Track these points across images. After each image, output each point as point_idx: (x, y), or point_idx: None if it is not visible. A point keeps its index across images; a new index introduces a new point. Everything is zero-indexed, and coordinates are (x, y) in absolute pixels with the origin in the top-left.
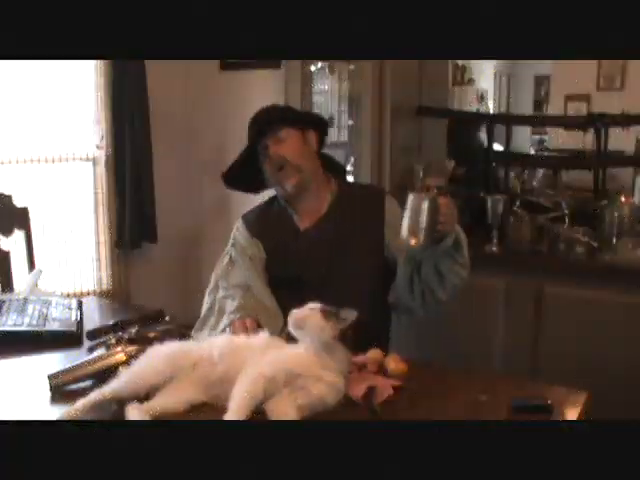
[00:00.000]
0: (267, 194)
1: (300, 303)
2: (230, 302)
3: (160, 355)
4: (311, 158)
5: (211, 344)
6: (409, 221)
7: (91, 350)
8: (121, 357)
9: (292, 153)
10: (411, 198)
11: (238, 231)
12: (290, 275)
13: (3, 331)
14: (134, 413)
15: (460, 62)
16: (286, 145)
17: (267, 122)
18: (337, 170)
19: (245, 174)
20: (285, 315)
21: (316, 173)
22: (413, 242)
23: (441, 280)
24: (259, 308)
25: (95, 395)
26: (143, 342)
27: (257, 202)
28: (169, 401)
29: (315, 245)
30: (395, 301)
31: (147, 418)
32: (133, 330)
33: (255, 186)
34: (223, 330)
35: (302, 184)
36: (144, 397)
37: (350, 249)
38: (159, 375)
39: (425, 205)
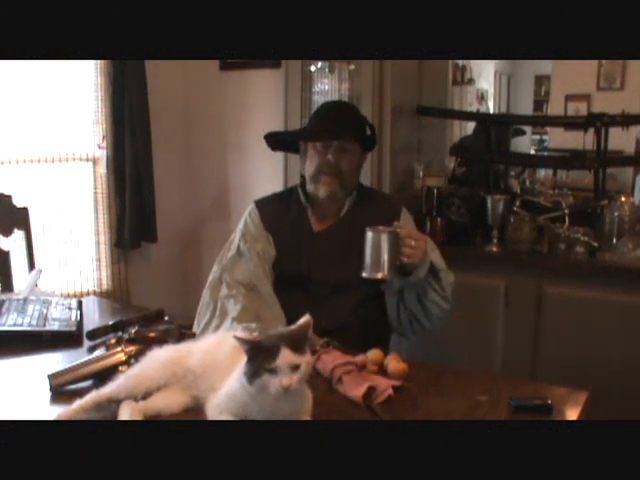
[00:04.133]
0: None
1: (306, 303)
2: (233, 303)
3: (157, 361)
4: (356, 178)
5: (196, 352)
6: (371, 256)
7: (91, 350)
8: (121, 357)
9: (347, 169)
10: (369, 235)
11: (251, 218)
12: (299, 275)
13: (3, 331)
14: (125, 411)
15: (460, 62)
16: (347, 160)
17: (348, 128)
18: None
19: (286, 141)
20: (287, 316)
21: (353, 182)
22: (379, 276)
23: (424, 310)
24: (262, 310)
25: (92, 396)
26: (143, 342)
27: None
28: (164, 402)
29: (327, 248)
30: (387, 318)
31: (139, 417)
32: (133, 330)
33: (288, 149)
34: None
35: (335, 196)
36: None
37: (360, 256)
38: (154, 381)
39: (384, 239)
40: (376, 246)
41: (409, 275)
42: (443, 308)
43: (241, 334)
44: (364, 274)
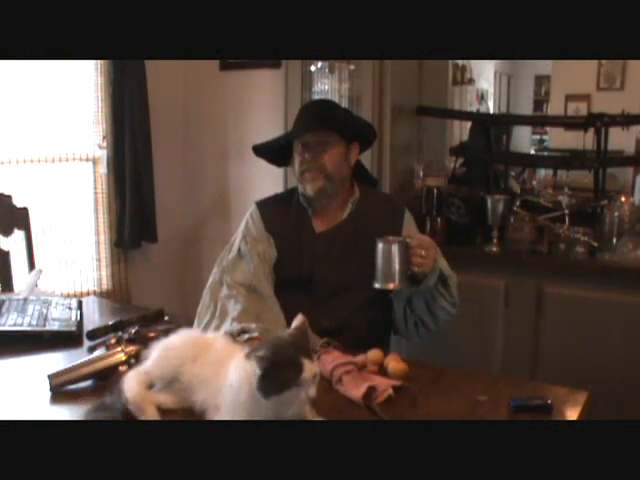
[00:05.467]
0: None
1: (308, 304)
2: (233, 304)
3: (178, 341)
4: (344, 170)
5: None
6: (382, 267)
7: (91, 350)
8: (121, 357)
9: (329, 162)
10: (380, 246)
11: (252, 220)
12: (300, 277)
13: (3, 331)
14: (132, 379)
15: (460, 62)
16: (328, 153)
17: (319, 120)
18: (365, 180)
19: (276, 149)
20: (288, 317)
21: (343, 182)
22: (391, 286)
23: (432, 315)
24: (262, 311)
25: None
26: (143, 342)
27: (256, 199)
28: (166, 397)
29: (329, 249)
30: (394, 322)
31: (143, 386)
32: (133, 330)
33: (280, 162)
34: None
35: (324, 191)
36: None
37: (362, 257)
38: (180, 358)
39: (395, 250)
40: (387, 257)
41: (419, 284)
42: (451, 313)
43: (259, 352)
44: (376, 285)
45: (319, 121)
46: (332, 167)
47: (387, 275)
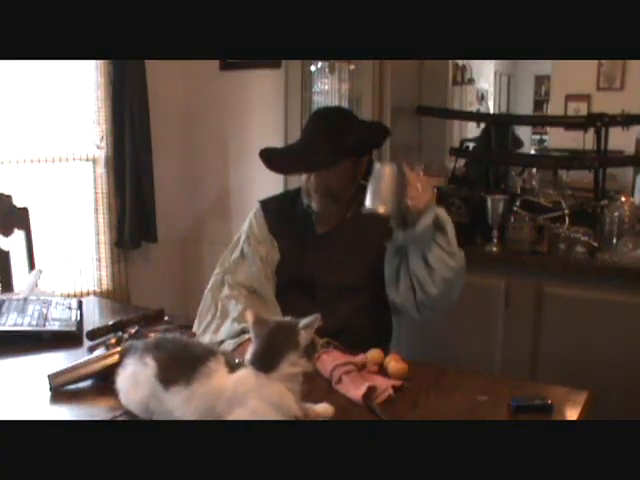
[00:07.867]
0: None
1: (309, 306)
2: (234, 304)
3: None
4: (350, 186)
5: None
6: (374, 188)
7: (91, 350)
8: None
9: (336, 184)
10: (377, 167)
11: (256, 220)
12: (301, 279)
13: (3, 331)
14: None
15: (460, 62)
16: (335, 175)
17: (327, 156)
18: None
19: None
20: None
21: (348, 192)
22: (381, 210)
23: (430, 272)
24: (263, 313)
25: None
26: None
27: (256, 199)
28: None
29: (330, 251)
30: (391, 301)
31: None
32: (133, 330)
33: None
34: (222, 341)
35: (329, 208)
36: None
37: (364, 259)
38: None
39: (390, 172)
40: (381, 178)
41: (413, 226)
42: (451, 266)
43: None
44: (366, 207)
45: (327, 157)
46: (338, 188)
47: (379, 197)
